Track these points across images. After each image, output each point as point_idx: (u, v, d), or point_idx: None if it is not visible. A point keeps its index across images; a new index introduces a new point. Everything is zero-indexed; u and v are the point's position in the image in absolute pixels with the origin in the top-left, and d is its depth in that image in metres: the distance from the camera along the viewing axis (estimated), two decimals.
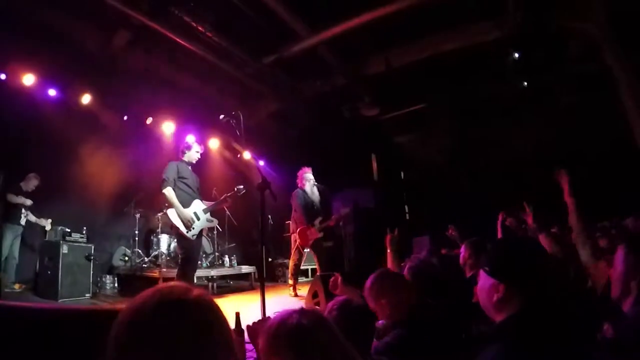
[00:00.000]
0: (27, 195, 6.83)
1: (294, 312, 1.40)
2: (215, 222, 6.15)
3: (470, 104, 9.99)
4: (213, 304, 0.96)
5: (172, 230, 5.58)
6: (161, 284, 0.96)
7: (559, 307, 1.52)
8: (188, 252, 5.49)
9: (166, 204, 5.65)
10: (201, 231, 5.73)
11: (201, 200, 5.76)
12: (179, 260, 5.72)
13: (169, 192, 5.36)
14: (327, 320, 1.43)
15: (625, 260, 2.07)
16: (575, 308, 2.17)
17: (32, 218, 6.86)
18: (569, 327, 1.45)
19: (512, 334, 1.42)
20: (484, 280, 1.60)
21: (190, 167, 5.75)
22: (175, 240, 5.66)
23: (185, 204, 5.50)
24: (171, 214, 5.42)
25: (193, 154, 5.76)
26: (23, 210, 6.78)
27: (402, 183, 13.16)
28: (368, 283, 2.55)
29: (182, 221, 5.39)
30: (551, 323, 1.42)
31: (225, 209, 8.88)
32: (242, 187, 6.11)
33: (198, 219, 5.59)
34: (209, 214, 5.79)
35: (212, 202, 5.91)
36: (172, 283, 0.97)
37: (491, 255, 1.66)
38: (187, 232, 5.41)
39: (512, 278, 1.52)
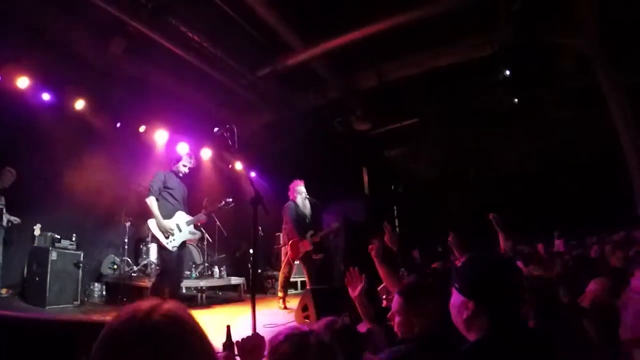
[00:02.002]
0: (4, 192, 6.68)
1: (310, 331, 1.43)
2: (198, 235, 6.13)
3: (461, 118, 10.10)
4: (179, 322, 0.91)
5: (153, 240, 5.56)
6: (135, 304, 0.94)
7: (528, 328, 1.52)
8: (166, 264, 5.49)
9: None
10: (184, 243, 5.74)
11: (186, 212, 5.78)
12: (157, 272, 5.69)
13: (151, 201, 5.43)
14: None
15: None
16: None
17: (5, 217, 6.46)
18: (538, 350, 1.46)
19: (481, 356, 1.42)
20: (455, 297, 1.60)
21: (178, 179, 5.81)
22: (157, 252, 5.62)
23: (168, 215, 5.52)
24: (151, 224, 5.47)
25: (181, 167, 5.82)
26: (4, 212, 6.63)
27: (392, 196, 13.22)
28: (406, 294, 2.34)
29: (162, 232, 5.41)
30: (520, 345, 1.43)
31: (216, 219, 8.87)
32: (230, 200, 6.26)
33: (180, 230, 5.58)
34: (192, 226, 5.78)
35: (193, 217, 5.89)
36: (140, 304, 0.94)
37: (461, 272, 1.64)
38: (167, 243, 5.41)
39: (481, 296, 1.51)
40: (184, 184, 5.93)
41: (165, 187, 5.59)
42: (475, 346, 1.48)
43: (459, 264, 3.60)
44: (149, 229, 7.68)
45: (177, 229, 5.55)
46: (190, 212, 5.89)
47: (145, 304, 0.92)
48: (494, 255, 2.66)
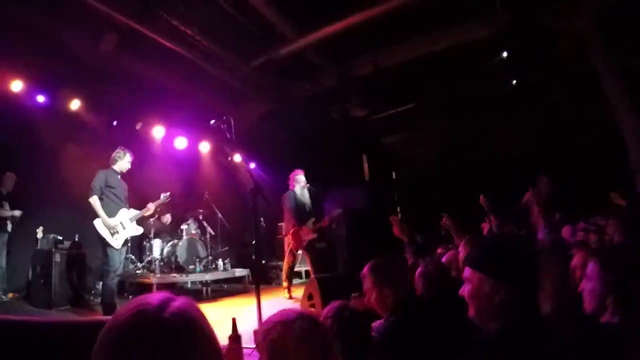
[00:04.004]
0: (9, 195, 6.73)
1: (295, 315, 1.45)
2: (141, 231, 6.23)
3: (460, 103, 10.05)
4: (191, 320, 0.88)
5: (99, 240, 5.62)
6: (139, 298, 0.90)
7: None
8: (112, 263, 5.55)
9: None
10: (126, 240, 5.89)
11: (128, 209, 5.88)
12: (103, 272, 5.71)
13: (94, 201, 5.50)
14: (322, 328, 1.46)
15: (600, 277, 1.86)
16: None
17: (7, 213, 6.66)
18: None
19: (515, 341, 1.40)
20: (481, 284, 1.54)
21: (119, 176, 5.88)
22: (101, 250, 5.69)
23: (112, 213, 5.62)
24: (97, 223, 5.52)
25: (124, 164, 5.89)
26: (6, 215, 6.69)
27: (393, 183, 13.21)
28: (367, 270, 2.52)
29: (108, 230, 5.51)
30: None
31: (217, 212, 8.88)
32: (168, 193, 6.33)
33: (124, 227, 5.72)
34: (134, 222, 5.93)
35: (138, 212, 6.01)
36: (149, 297, 0.90)
37: (495, 257, 1.59)
38: (113, 241, 5.53)
39: (513, 276, 1.49)
40: (124, 181, 6.02)
41: (107, 186, 5.66)
42: (509, 331, 1.44)
43: (461, 246, 3.60)
44: (151, 225, 7.83)
45: (121, 226, 5.68)
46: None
47: (154, 298, 0.89)
48: (515, 236, 2.71)
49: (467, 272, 1.64)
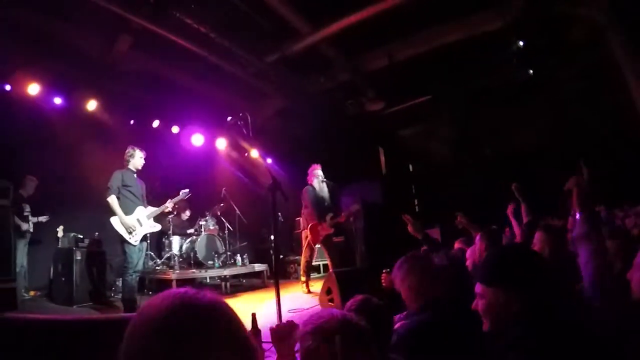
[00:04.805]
0: (29, 198, 6.89)
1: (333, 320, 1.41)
2: (158, 227, 6.33)
3: (475, 94, 9.92)
4: (224, 309, 0.90)
5: (117, 238, 5.74)
6: (173, 289, 0.91)
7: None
8: (131, 259, 5.65)
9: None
10: (145, 236, 5.98)
11: (145, 207, 6.01)
12: (122, 269, 5.83)
13: (112, 200, 5.63)
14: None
15: None
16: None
17: (34, 219, 6.90)
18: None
19: (531, 342, 1.39)
20: (495, 297, 1.53)
21: (135, 175, 5.99)
22: (119, 247, 5.84)
23: (129, 211, 5.74)
24: (114, 221, 5.64)
25: (137, 161, 5.98)
26: (30, 217, 6.84)
27: (410, 176, 13.11)
28: (398, 263, 2.57)
29: (125, 228, 5.62)
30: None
31: (235, 208, 8.93)
32: (187, 190, 6.44)
33: (141, 225, 5.83)
34: (151, 219, 6.05)
35: (156, 208, 6.14)
36: (183, 288, 0.91)
37: (502, 268, 1.59)
38: (130, 238, 5.64)
39: (531, 285, 1.48)
40: (141, 180, 6.13)
41: (124, 185, 5.79)
42: (524, 333, 1.43)
43: (477, 240, 3.59)
44: (170, 222, 7.92)
45: (138, 224, 5.79)
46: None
47: (188, 288, 0.90)
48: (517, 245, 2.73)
49: (478, 287, 1.63)
